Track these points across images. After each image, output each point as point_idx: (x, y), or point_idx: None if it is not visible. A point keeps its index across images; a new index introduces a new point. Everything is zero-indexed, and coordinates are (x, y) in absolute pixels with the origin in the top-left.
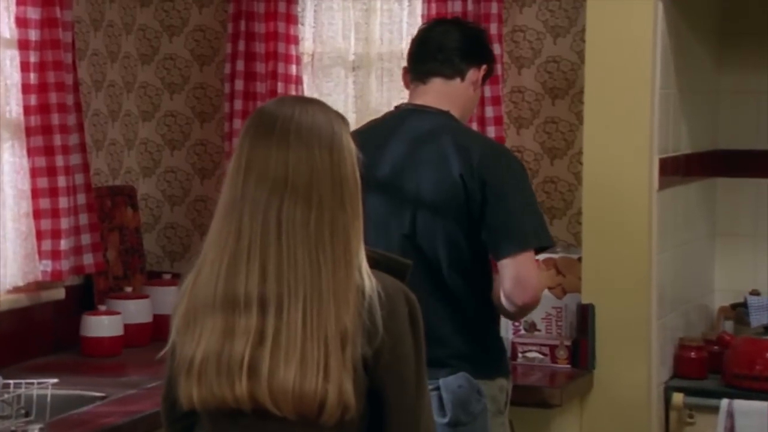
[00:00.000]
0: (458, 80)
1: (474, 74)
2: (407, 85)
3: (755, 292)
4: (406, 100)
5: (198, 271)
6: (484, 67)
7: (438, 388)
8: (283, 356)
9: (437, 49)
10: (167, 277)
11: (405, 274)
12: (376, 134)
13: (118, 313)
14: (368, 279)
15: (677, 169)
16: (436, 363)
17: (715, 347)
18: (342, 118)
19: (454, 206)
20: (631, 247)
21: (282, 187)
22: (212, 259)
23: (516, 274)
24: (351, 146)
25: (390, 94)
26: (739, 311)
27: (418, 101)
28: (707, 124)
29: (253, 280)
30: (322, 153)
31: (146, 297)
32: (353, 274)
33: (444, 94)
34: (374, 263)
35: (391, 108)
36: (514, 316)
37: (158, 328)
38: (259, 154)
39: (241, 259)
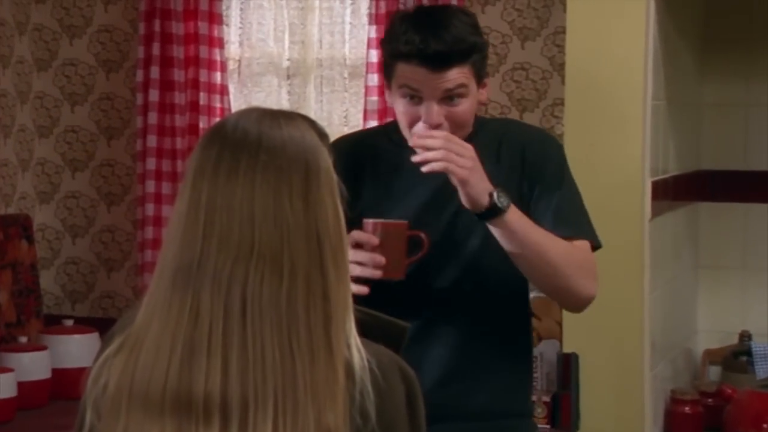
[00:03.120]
0: None
1: None
2: None
3: (746, 334)
4: (349, 112)
5: (136, 342)
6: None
7: None
8: None
9: None
10: (68, 322)
11: (401, 340)
12: None
13: (11, 370)
14: (357, 353)
15: (666, 193)
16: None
17: (709, 400)
18: (323, 137)
19: None
20: (620, 285)
21: (247, 255)
22: (158, 335)
23: None
24: (331, 179)
25: (331, 106)
26: (741, 360)
27: None
28: (690, 141)
29: (214, 378)
30: (294, 203)
31: (44, 348)
32: (337, 357)
33: None
34: (364, 328)
35: (332, 122)
36: None
37: (58, 384)
38: (221, 204)
39: (200, 350)
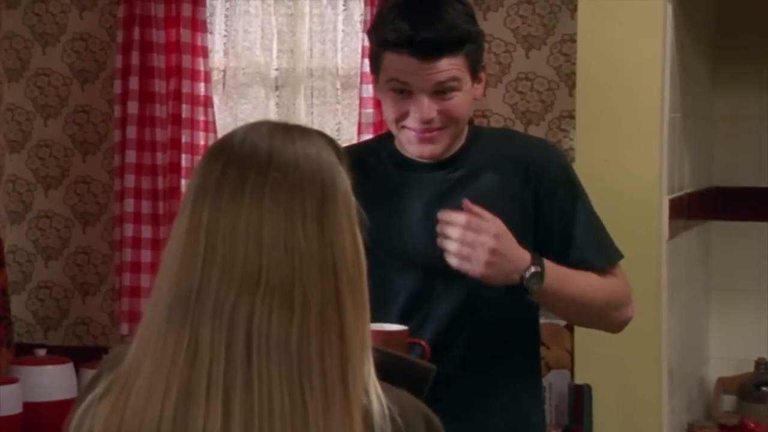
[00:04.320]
0: None
1: None
2: None
3: (762, 362)
4: (342, 125)
5: (126, 382)
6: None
7: None
8: None
9: None
10: (41, 352)
11: (425, 383)
12: None
13: None
14: (377, 400)
15: (682, 212)
16: None
17: None
18: (340, 156)
19: None
20: (636, 311)
21: (253, 285)
22: (150, 375)
23: None
24: (350, 203)
25: (322, 119)
26: (763, 391)
27: None
28: (703, 157)
29: (214, 424)
30: (308, 228)
31: (15, 381)
32: (354, 403)
33: None
34: (384, 371)
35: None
36: None
37: (30, 419)
38: (224, 226)
39: (198, 393)
